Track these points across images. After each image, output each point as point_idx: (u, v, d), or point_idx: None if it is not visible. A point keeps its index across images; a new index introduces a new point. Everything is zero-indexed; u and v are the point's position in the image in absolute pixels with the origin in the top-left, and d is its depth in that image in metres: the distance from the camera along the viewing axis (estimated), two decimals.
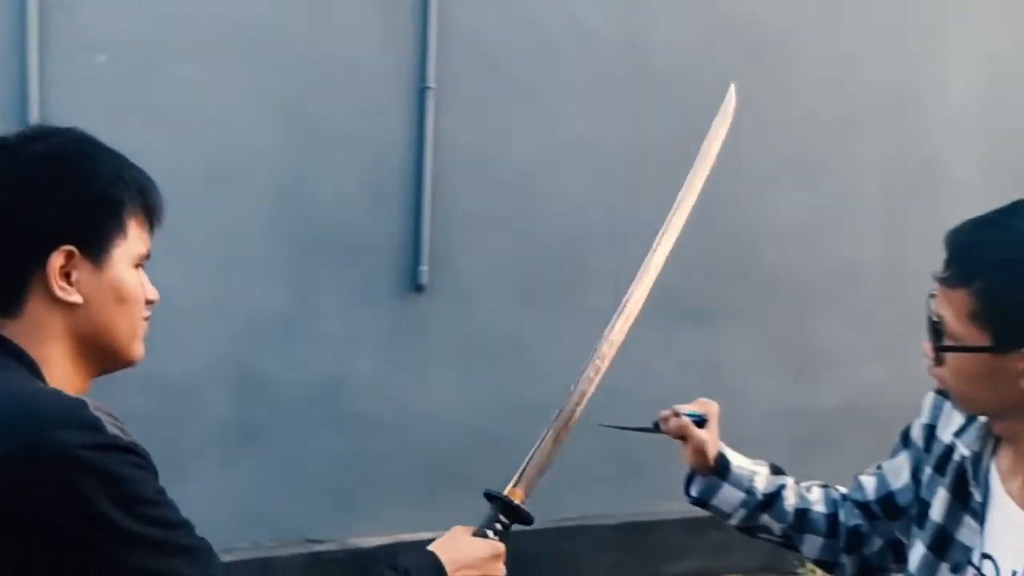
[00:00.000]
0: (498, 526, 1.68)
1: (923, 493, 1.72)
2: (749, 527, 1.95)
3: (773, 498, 1.93)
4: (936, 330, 1.53)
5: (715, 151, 2.16)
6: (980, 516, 1.61)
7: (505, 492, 1.70)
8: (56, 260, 1.37)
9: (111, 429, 1.32)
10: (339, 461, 4.32)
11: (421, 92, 4.36)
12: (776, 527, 1.92)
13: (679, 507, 4.75)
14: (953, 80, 5.08)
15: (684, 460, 1.99)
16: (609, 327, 1.92)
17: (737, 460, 1.98)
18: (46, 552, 1.25)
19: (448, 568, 1.55)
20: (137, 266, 1.45)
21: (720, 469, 1.95)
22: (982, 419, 1.61)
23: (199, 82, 4.03)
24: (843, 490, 1.92)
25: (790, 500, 1.92)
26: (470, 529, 1.65)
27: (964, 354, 1.50)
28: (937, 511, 1.67)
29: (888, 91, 4.97)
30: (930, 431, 1.74)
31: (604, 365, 1.89)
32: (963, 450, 1.64)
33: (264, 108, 4.14)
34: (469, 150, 4.46)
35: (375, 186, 4.34)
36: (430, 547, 1.58)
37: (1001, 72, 5.22)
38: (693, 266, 4.68)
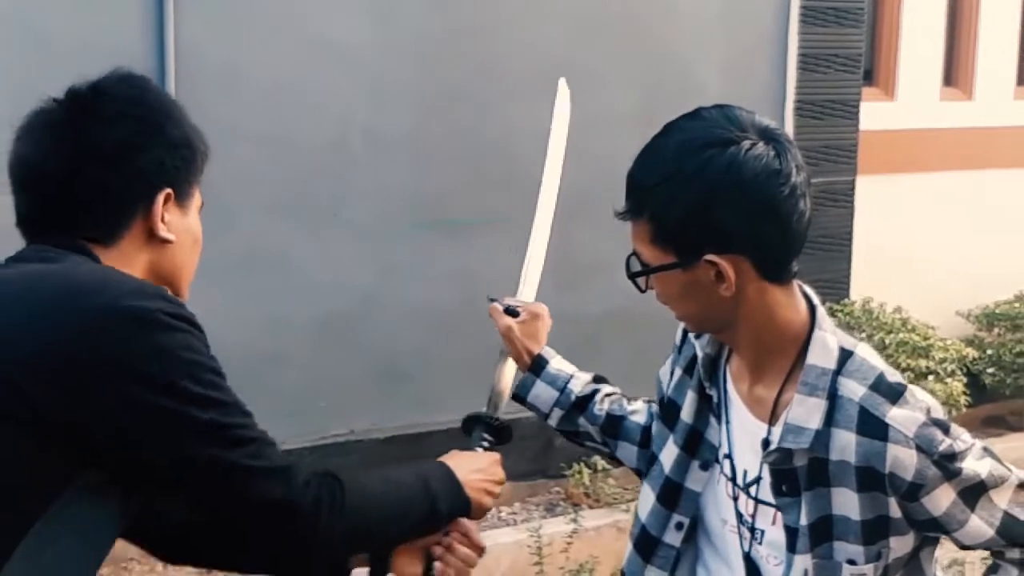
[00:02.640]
0: (485, 444, 1.86)
1: (673, 394, 1.78)
2: (569, 431, 1.97)
3: (587, 400, 1.95)
4: (639, 260, 1.60)
5: (561, 152, 2.35)
6: (719, 416, 1.69)
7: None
8: (161, 198, 1.47)
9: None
10: None
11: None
12: (593, 431, 1.94)
13: (446, 418, 4.81)
14: None
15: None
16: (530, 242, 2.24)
17: (557, 363, 2.01)
18: (112, 423, 1.30)
19: (458, 473, 1.68)
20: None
21: (535, 366, 1.99)
22: None
23: None
24: None
25: (603, 405, 1.95)
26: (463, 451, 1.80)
27: (666, 277, 1.57)
28: (687, 411, 1.73)
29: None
30: (684, 334, 1.80)
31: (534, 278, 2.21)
32: (699, 352, 1.71)
33: None
34: (215, 59, 4.24)
35: None
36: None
37: None
38: (452, 176, 4.65)
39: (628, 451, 1.92)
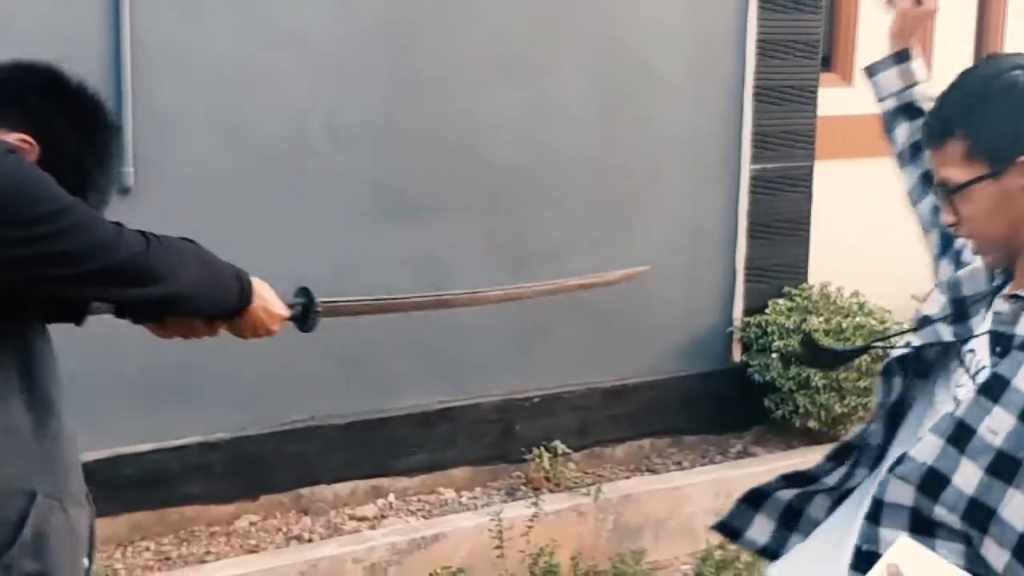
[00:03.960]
0: (296, 309, 2.01)
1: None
2: (888, 125, 2.29)
3: (919, 113, 2.21)
4: (945, 189, 1.78)
5: None
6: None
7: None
8: None
9: None
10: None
11: None
12: (899, 141, 2.27)
13: (406, 403, 4.83)
14: None
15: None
16: None
17: (918, 64, 2.27)
18: None
19: (255, 287, 1.85)
20: None
21: (900, 54, 2.27)
22: None
23: None
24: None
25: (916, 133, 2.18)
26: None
27: (977, 193, 1.74)
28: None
29: None
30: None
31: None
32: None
33: None
34: (172, 44, 4.20)
35: None
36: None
37: None
38: (411, 163, 4.63)
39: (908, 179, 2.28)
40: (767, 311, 5.25)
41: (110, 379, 4.12)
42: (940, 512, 1.70)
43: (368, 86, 4.51)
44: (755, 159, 5.33)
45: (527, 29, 4.80)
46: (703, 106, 5.24)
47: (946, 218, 1.83)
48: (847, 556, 1.80)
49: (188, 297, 1.72)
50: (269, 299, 1.89)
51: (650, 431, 5.17)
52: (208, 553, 4.12)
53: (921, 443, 1.74)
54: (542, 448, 4.68)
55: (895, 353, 1.91)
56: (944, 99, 1.82)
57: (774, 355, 5.06)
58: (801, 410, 5.00)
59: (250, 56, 4.28)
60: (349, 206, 4.49)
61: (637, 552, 4.31)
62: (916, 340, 1.90)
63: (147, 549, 4.15)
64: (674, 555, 4.54)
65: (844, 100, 5.65)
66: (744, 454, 5.15)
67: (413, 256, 4.60)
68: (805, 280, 5.49)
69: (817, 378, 4.93)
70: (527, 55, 4.83)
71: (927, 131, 1.84)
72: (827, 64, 5.68)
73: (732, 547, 4.16)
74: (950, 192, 1.77)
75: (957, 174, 1.76)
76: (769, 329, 5.13)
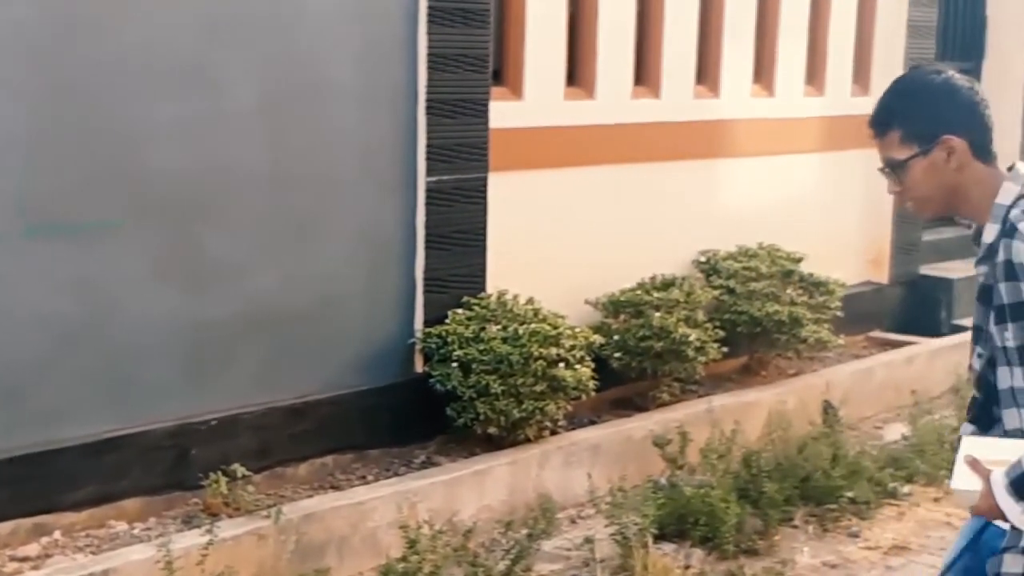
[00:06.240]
0: None
1: None
2: None
3: None
4: (890, 166, 2.49)
5: None
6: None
7: None
8: None
9: None
10: None
11: None
12: None
13: (71, 434, 4.61)
14: None
15: None
16: None
17: None
18: None
19: None
20: None
21: None
22: None
23: None
24: None
25: None
26: None
27: (913, 167, 2.46)
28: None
29: None
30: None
31: None
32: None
33: None
34: None
35: None
36: None
37: None
38: (67, 179, 4.36)
39: None
40: (447, 321, 5.31)
41: None
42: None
43: (15, 95, 4.23)
44: (431, 171, 5.38)
45: (195, 38, 4.64)
46: (377, 118, 5.24)
47: (892, 187, 2.52)
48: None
49: None
50: None
51: (333, 448, 5.12)
52: None
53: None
54: (219, 473, 4.53)
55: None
56: (883, 100, 2.51)
57: (454, 364, 5.12)
58: (482, 417, 5.08)
59: None
60: None
61: (320, 571, 4.24)
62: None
63: None
64: (358, 570, 4.50)
65: (515, 113, 5.80)
66: (428, 464, 5.18)
67: (70, 278, 4.35)
68: (483, 289, 5.59)
69: (496, 385, 5.03)
70: (196, 64, 4.67)
71: (871, 122, 2.50)
72: (498, 78, 5.81)
73: (415, 557, 4.16)
74: (895, 168, 2.47)
75: (897, 154, 2.47)
76: (449, 339, 5.18)
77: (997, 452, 2.35)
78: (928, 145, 2.43)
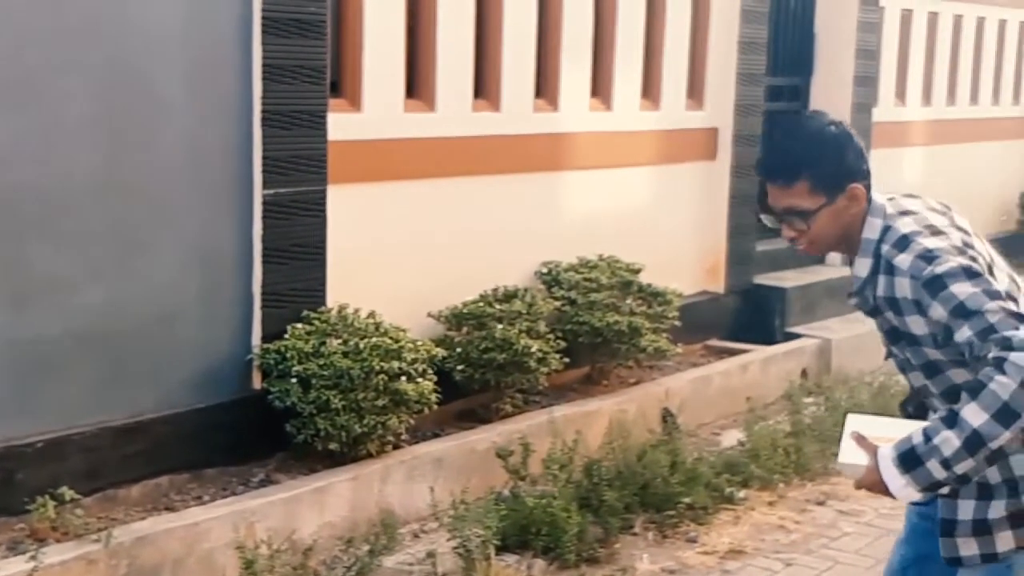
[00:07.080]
0: None
1: None
2: None
3: None
4: (796, 215, 2.64)
5: None
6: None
7: None
8: None
9: None
10: None
11: None
12: None
13: None
14: None
15: None
16: None
17: None
18: None
19: None
20: None
21: None
22: None
23: None
24: None
25: None
26: None
27: (821, 215, 2.62)
28: None
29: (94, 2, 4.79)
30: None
31: None
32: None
33: None
34: None
35: None
36: None
37: None
38: None
39: None
40: (286, 336, 5.23)
41: None
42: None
43: None
44: (267, 184, 5.30)
45: (16, 48, 4.47)
46: (210, 130, 5.13)
47: (788, 233, 2.68)
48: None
49: None
50: None
51: (168, 468, 4.98)
52: None
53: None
54: (47, 497, 4.36)
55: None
56: (786, 149, 2.68)
57: (294, 380, 5.04)
58: (322, 433, 5.01)
59: None
60: None
61: None
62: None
63: None
64: None
65: (354, 125, 5.75)
66: (267, 482, 5.08)
67: None
68: (323, 303, 5.52)
69: (336, 400, 4.97)
70: (21, 77, 4.50)
71: (773, 171, 2.65)
72: (336, 90, 5.75)
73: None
74: (802, 217, 2.64)
75: (806, 203, 2.62)
76: (288, 354, 5.10)
77: (879, 429, 2.55)
78: (836, 194, 2.61)
